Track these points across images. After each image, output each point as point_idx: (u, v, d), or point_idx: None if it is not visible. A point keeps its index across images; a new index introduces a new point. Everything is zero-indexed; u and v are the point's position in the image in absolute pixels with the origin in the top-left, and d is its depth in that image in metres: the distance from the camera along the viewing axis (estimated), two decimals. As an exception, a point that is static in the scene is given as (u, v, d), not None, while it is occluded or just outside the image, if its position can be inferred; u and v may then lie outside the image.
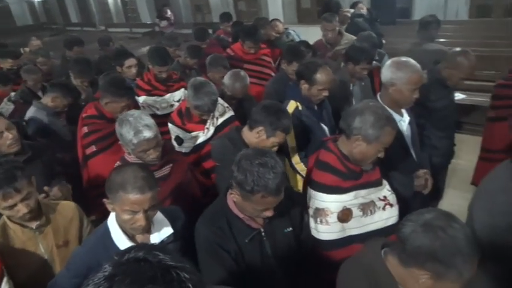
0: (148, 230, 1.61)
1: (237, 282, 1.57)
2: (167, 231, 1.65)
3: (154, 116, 3.28)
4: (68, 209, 1.95)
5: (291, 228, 1.76)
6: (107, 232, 1.60)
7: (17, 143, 2.29)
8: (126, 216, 1.51)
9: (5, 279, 1.61)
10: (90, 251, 1.59)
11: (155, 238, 1.63)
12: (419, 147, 2.50)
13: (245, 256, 1.63)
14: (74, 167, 2.82)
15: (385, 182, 1.95)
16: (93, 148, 2.63)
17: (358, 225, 1.86)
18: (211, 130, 2.64)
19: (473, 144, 3.41)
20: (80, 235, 1.94)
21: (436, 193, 3.06)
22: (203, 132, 2.63)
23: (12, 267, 1.70)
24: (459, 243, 1.05)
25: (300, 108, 2.60)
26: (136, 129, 1.96)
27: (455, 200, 3.54)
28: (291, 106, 2.59)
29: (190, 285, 0.64)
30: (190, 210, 1.86)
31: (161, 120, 3.16)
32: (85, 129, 2.70)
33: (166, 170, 2.16)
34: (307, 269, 1.85)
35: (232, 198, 1.62)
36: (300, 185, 2.59)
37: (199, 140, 2.63)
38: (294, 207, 1.80)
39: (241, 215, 1.64)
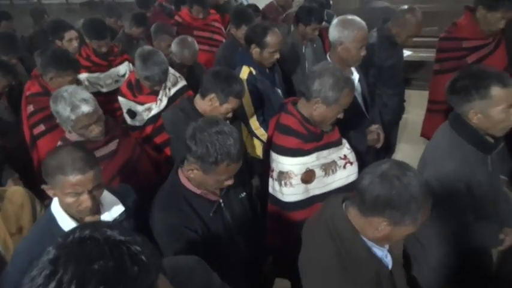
0: (97, 211, 1.53)
1: (205, 257, 1.56)
2: (118, 209, 1.58)
3: (99, 93, 3.13)
4: (17, 195, 1.84)
5: (244, 193, 1.76)
6: (52, 219, 1.49)
7: None
8: (69, 200, 1.42)
9: None
10: (34, 242, 1.45)
11: (106, 218, 1.55)
12: (371, 104, 2.58)
13: (210, 230, 1.61)
14: (21, 150, 2.65)
15: (344, 141, 2.00)
16: (42, 127, 2.47)
17: (321, 185, 1.91)
18: (164, 101, 2.55)
19: (421, 99, 3.55)
20: (35, 220, 1.84)
21: (389, 148, 3.19)
22: (156, 104, 2.54)
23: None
24: (413, 190, 1.11)
25: (254, 73, 2.56)
26: (73, 104, 1.87)
27: (407, 153, 3.73)
28: (244, 72, 2.55)
29: (143, 258, 0.60)
30: (143, 187, 1.81)
31: (108, 98, 3.03)
32: (30, 108, 2.53)
33: (112, 145, 2.08)
34: (264, 229, 1.87)
35: (189, 174, 1.55)
36: (258, 151, 2.60)
37: (153, 112, 2.54)
38: (242, 171, 1.77)
39: (198, 191, 1.58)
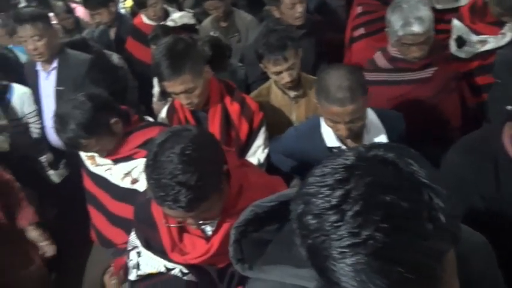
0: (358, 136, 1.54)
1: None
2: (381, 140, 1.54)
3: (433, 9, 2.84)
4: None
5: None
6: (317, 124, 1.60)
7: (303, 17, 2.40)
8: (328, 122, 1.50)
9: (263, 129, 1.88)
10: (299, 137, 1.65)
11: None
12: None
13: (502, 207, 1.28)
14: (340, 48, 2.83)
15: None
16: (362, 31, 2.53)
17: None
18: (508, 37, 2.07)
19: None
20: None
21: None
22: (495, 38, 2.11)
23: (268, 125, 1.93)
24: None
25: None
26: (406, 20, 1.80)
27: None
28: None
29: (441, 218, 0.47)
30: (439, 130, 1.73)
31: (441, 16, 2.71)
32: (359, 9, 2.59)
33: (428, 72, 1.95)
34: None
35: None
36: None
37: (488, 46, 2.13)
38: None
39: None
